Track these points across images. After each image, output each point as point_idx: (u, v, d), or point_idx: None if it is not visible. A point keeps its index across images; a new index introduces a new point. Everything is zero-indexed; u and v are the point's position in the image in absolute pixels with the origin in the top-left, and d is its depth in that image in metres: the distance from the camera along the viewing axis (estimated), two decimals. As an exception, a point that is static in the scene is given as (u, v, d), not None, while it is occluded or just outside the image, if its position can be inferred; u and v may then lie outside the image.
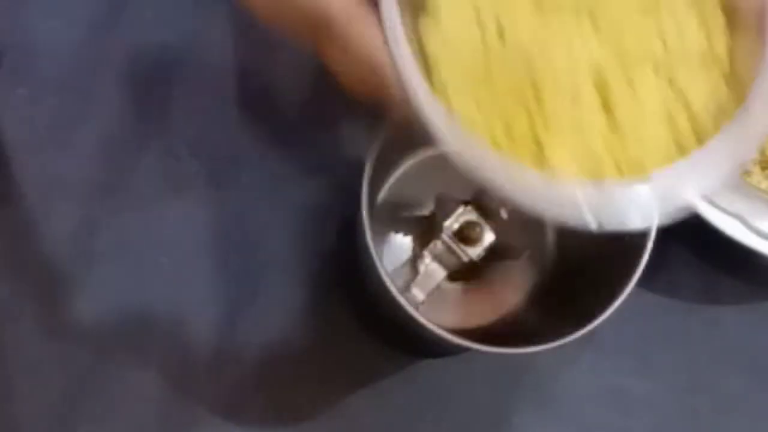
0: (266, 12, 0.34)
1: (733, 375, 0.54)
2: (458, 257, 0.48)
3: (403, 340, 0.50)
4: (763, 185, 0.54)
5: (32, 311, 0.51)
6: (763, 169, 0.54)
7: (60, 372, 0.50)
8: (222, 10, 0.55)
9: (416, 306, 0.46)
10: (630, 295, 0.42)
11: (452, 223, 0.48)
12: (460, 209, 0.48)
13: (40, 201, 0.52)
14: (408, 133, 0.31)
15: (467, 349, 0.43)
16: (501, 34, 0.31)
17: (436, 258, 0.48)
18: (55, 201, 0.52)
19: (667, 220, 0.30)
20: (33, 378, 0.50)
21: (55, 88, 0.54)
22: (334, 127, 0.54)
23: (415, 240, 0.52)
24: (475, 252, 0.48)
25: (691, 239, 0.55)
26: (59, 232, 0.52)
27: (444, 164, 0.31)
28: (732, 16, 0.32)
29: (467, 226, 0.48)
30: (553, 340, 0.42)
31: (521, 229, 0.50)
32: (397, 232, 0.52)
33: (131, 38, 0.55)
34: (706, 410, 0.54)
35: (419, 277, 0.48)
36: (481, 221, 0.48)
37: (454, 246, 0.48)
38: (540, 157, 0.30)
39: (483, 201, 0.48)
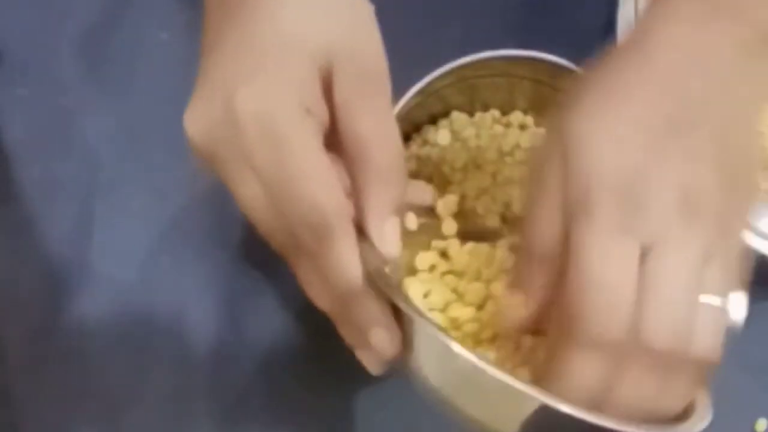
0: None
1: (733, 374, 0.54)
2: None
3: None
4: (763, 185, 0.54)
5: (32, 311, 0.51)
6: (763, 169, 0.54)
7: (60, 372, 0.50)
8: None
9: None
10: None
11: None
12: None
13: (40, 201, 0.52)
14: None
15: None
16: None
17: None
18: (55, 201, 0.52)
19: None
20: (33, 378, 0.50)
21: (55, 88, 0.54)
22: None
23: None
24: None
25: (691, 239, 0.55)
26: (59, 232, 0.52)
27: None
28: None
29: None
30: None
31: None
32: None
33: (131, 38, 0.55)
34: (706, 410, 0.54)
35: None
36: None
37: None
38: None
39: None
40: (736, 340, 0.55)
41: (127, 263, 0.52)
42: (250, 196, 0.34)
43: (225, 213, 0.53)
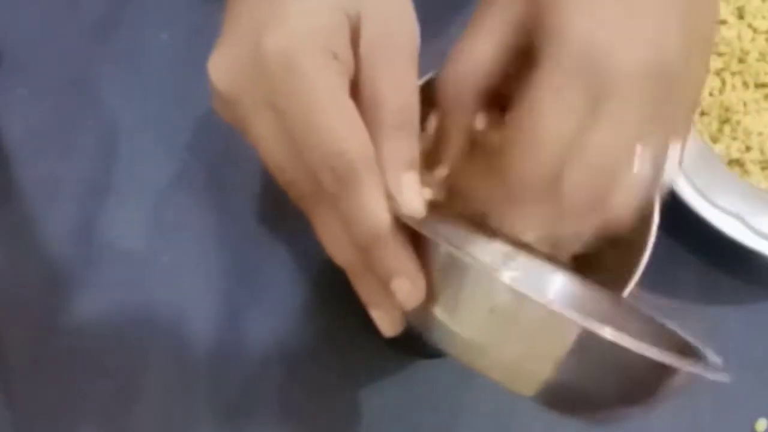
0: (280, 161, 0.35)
1: (733, 375, 0.54)
2: None
3: (404, 339, 0.50)
4: (763, 185, 0.54)
5: (32, 311, 0.51)
6: (763, 169, 0.54)
7: (60, 372, 0.50)
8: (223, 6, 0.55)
9: None
10: (630, 295, 0.42)
11: None
12: None
13: (40, 201, 0.52)
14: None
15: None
16: None
17: None
18: (55, 201, 0.52)
19: None
20: (33, 378, 0.50)
21: (55, 88, 0.54)
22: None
23: None
24: None
25: (691, 239, 0.55)
26: (59, 231, 0.52)
27: None
28: None
29: None
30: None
31: None
32: None
33: (131, 38, 0.55)
34: (705, 409, 0.54)
35: None
36: None
37: None
38: None
39: None
40: (737, 339, 0.55)
41: (127, 263, 0.52)
42: (272, 141, 0.34)
43: (225, 212, 0.53)
